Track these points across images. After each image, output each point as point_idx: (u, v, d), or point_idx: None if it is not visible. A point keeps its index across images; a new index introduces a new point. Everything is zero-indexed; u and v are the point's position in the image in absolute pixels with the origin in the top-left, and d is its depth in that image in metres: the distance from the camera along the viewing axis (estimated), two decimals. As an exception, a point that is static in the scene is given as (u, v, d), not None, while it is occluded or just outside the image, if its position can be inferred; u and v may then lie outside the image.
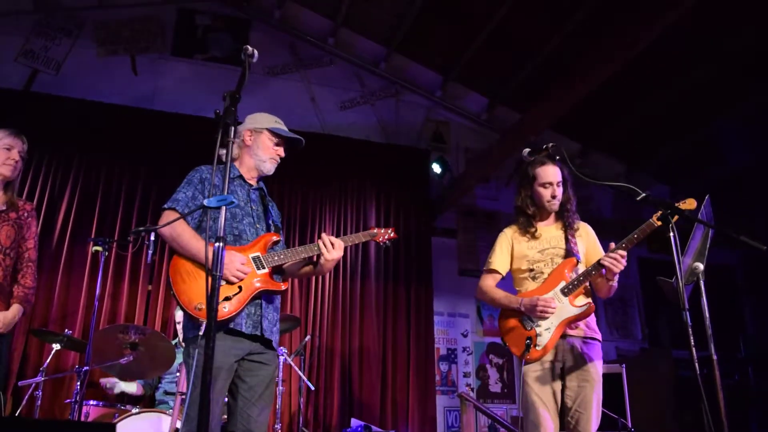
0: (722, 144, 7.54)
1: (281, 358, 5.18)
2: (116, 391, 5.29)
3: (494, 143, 7.48)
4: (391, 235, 3.34)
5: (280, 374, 5.18)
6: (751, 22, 5.98)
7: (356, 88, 8.10)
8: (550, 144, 3.01)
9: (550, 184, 3.51)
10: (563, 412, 3.31)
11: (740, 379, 6.87)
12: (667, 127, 7.65)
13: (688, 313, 2.45)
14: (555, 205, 3.54)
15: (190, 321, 2.77)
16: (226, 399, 2.91)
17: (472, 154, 8.35)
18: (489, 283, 3.63)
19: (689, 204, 2.79)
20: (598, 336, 3.46)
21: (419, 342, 7.22)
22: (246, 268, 2.84)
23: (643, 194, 2.62)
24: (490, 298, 3.59)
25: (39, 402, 4.62)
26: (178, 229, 2.79)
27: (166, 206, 2.90)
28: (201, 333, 2.62)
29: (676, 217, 2.64)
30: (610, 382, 5.32)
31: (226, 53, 7.49)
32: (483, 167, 7.33)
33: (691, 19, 5.06)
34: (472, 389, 7.49)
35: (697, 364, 2.38)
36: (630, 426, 5.03)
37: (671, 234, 2.49)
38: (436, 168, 7.77)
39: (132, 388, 5.33)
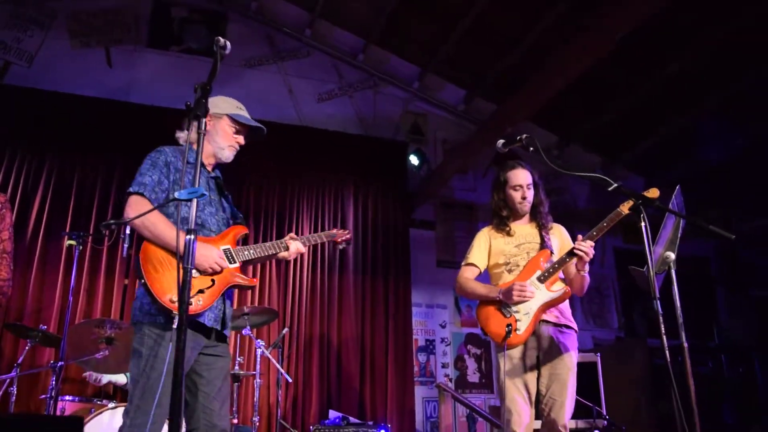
0: (697, 137, 7.63)
1: (258, 351, 5.18)
2: (104, 381, 5.26)
3: (472, 135, 7.50)
4: (348, 236, 3.43)
5: (258, 367, 5.18)
6: (726, 16, 6.04)
7: (334, 80, 8.08)
8: (524, 135, 3.03)
9: (520, 186, 3.67)
10: (538, 399, 3.38)
11: (713, 368, 6.98)
12: (643, 120, 7.72)
13: (659, 301, 2.48)
14: (526, 206, 3.68)
15: (156, 308, 2.67)
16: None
17: (450, 146, 8.37)
18: (467, 275, 3.73)
19: (652, 193, 2.84)
20: (574, 325, 3.56)
21: (397, 333, 7.24)
22: (223, 262, 2.82)
23: (615, 185, 2.65)
24: (468, 290, 3.67)
25: (14, 398, 4.58)
26: (151, 218, 2.69)
27: (132, 190, 2.77)
28: (175, 326, 2.58)
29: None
30: (585, 371, 5.40)
31: (202, 45, 7.42)
32: (460, 159, 7.35)
33: (667, 13, 5.09)
34: (451, 380, 7.53)
35: (668, 352, 2.41)
36: (605, 414, 5.09)
37: (642, 224, 2.52)
38: (414, 160, 7.78)
39: (119, 378, 5.30)
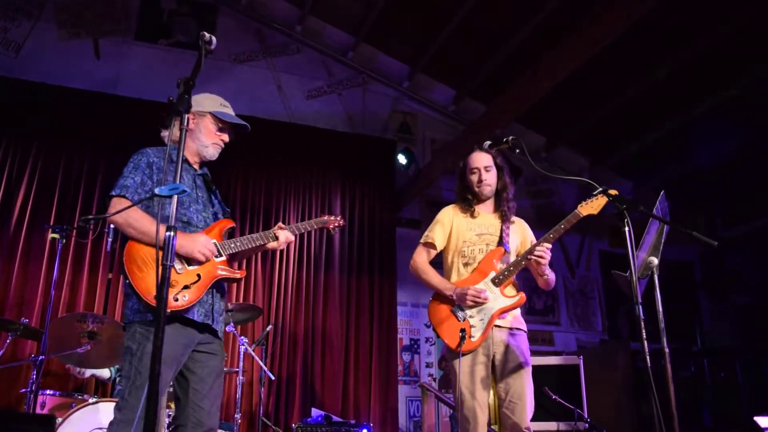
0: (685, 142, 7.67)
1: (242, 348, 5.16)
2: (87, 374, 5.23)
3: (460, 135, 7.51)
4: (340, 222, 3.42)
5: (241, 364, 5.16)
6: (715, 21, 6.08)
7: (323, 77, 8.06)
8: (510, 137, 3.03)
9: (477, 169, 3.61)
10: (498, 404, 3.36)
11: (696, 372, 7.02)
12: (631, 124, 7.76)
13: (641, 306, 2.49)
14: (485, 188, 3.61)
15: (143, 307, 2.67)
16: (172, 389, 2.87)
17: (439, 146, 8.37)
18: (424, 258, 3.67)
19: (612, 192, 2.83)
20: (524, 327, 3.52)
21: (382, 332, 7.24)
22: (212, 247, 2.81)
23: (600, 189, 2.65)
24: (423, 276, 3.62)
25: (-6, 391, 4.55)
26: (134, 215, 2.69)
27: (114, 193, 2.77)
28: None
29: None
30: (567, 373, 5.42)
31: (191, 38, 7.37)
32: (448, 158, 7.33)
33: (656, 16, 5.11)
34: (434, 379, 7.54)
35: (648, 357, 2.42)
36: (586, 417, 5.11)
37: (626, 229, 2.52)
38: (402, 159, 7.77)
39: (103, 372, 5.26)
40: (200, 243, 2.78)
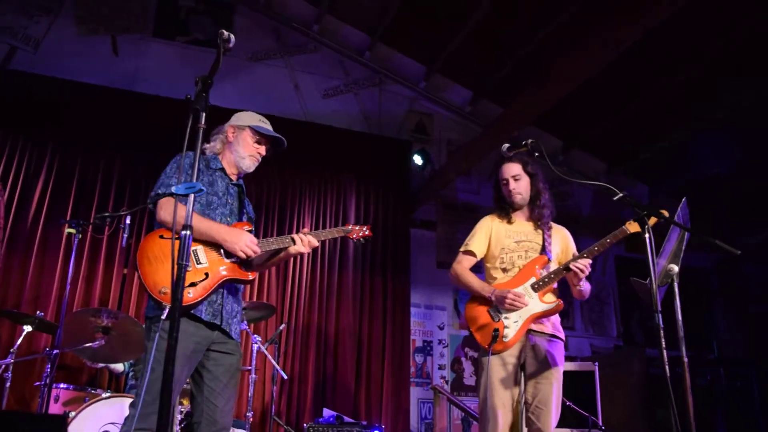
0: (701, 148, 7.59)
1: (255, 346, 5.16)
2: (100, 365, 5.26)
3: (476, 137, 7.47)
4: (366, 233, 3.36)
5: (253, 362, 5.16)
6: (733, 26, 6.01)
7: (340, 77, 8.05)
8: (529, 140, 3.00)
9: (506, 180, 3.69)
10: (525, 407, 3.37)
11: (711, 380, 6.95)
12: (648, 128, 7.69)
13: (660, 314, 2.46)
14: (517, 198, 3.68)
15: (153, 302, 2.74)
16: (188, 386, 2.89)
17: (455, 147, 8.34)
18: (464, 265, 3.73)
19: (663, 213, 2.81)
20: (562, 335, 3.54)
21: (395, 333, 7.22)
22: (255, 247, 2.87)
23: (621, 194, 2.62)
24: (463, 280, 3.68)
25: (9, 383, 4.57)
26: (178, 213, 2.74)
27: (161, 192, 2.85)
28: (164, 316, 2.59)
29: (654, 220, 2.65)
30: (582, 379, 5.38)
31: (208, 36, 7.40)
32: (464, 160, 7.32)
33: (674, 22, 5.06)
34: (447, 382, 7.51)
35: (667, 366, 2.39)
36: (600, 424, 5.06)
37: (647, 236, 2.48)
38: (418, 159, 7.74)
39: (116, 365, 5.29)
40: (244, 239, 2.84)
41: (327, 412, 6.01)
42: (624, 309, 8.50)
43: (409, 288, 7.51)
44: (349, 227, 3.34)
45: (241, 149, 3.15)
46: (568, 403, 5.01)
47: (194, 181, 1.93)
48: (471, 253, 3.73)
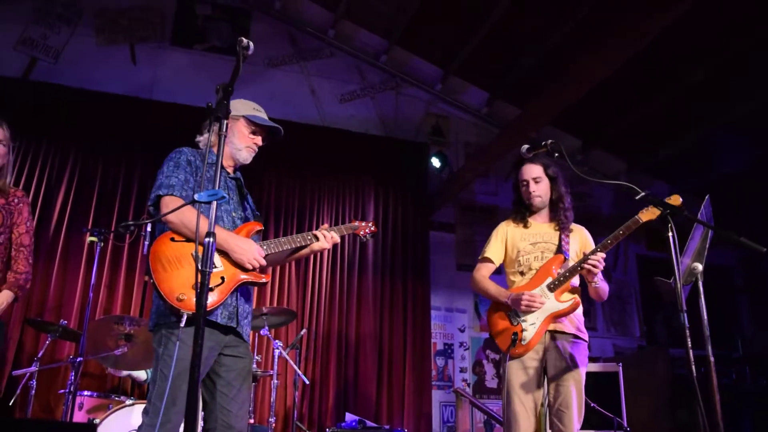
0: (722, 145, 7.51)
1: (276, 352, 5.17)
2: (123, 374, 5.30)
3: (494, 138, 7.45)
4: (372, 228, 3.31)
5: (275, 368, 5.17)
6: (754, 23, 5.94)
7: (356, 81, 8.07)
8: (549, 141, 2.98)
9: (527, 181, 3.66)
10: (549, 410, 3.35)
11: (737, 379, 6.86)
12: (668, 126, 7.62)
13: (685, 314, 2.43)
14: (537, 200, 3.66)
15: (167, 309, 2.66)
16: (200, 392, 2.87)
17: (472, 149, 8.32)
18: (483, 273, 3.73)
19: (674, 200, 2.81)
20: (585, 336, 3.50)
21: (416, 337, 7.20)
22: (261, 260, 2.81)
23: (643, 193, 2.59)
24: (482, 288, 3.68)
25: (33, 392, 4.61)
26: (189, 215, 2.69)
27: (162, 193, 2.78)
28: (183, 324, 2.55)
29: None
30: (606, 380, 5.33)
31: (225, 43, 7.45)
32: (482, 162, 7.29)
33: (693, 19, 5.01)
34: (468, 384, 7.48)
35: (693, 366, 2.36)
36: (625, 425, 5.01)
37: (670, 234, 2.46)
38: (435, 162, 7.74)
39: (139, 374, 5.33)
40: (252, 252, 2.78)
41: (349, 417, 6.00)
42: (646, 308, 8.41)
43: (429, 290, 7.49)
44: (356, 224, 3.29)
45: (237, 141, 3.03)
46: (592, 405, 4.97)
47: (216, 188, 1.93)
48: (488, 260, 3.72)
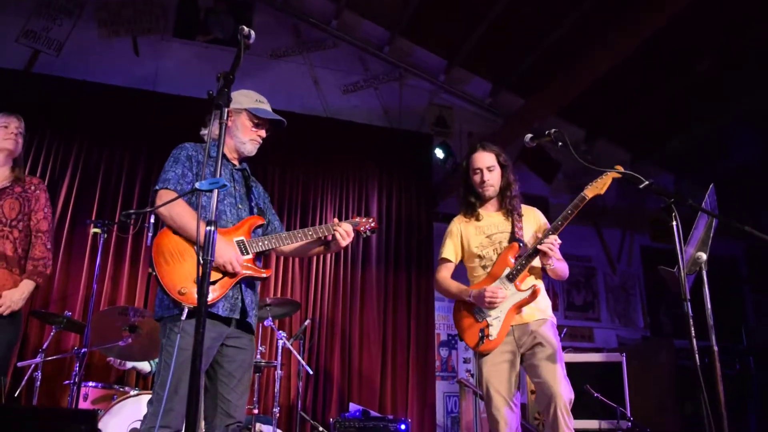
0: (728, 137, 7.48)
1: (280, 342, 5.17)
2: (128, 366, 5.32)
3: (498, 129, 7.43)
4: (373, 224, 3.25)
5: (279, 358, 5.17)
6: (760, 14, 5.90)
7: (359, 72, 8.04)
8: (553, 130, 2.96)
9: (480, 169, 3.55)
10: (534, 395, 3.30)
11: (741, 370, 6.85)
12: (674, 118, 7.60)
13: (689, 303, 2.42)
14: (488, 190, 3.57)
15: (169, 301, 2.70)
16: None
17: (476, 139, 8.28)
18: (443, 274, 3.66)
19: (618, 168, 2.80)
20: (547, 314, 3.43)
21: (419, 327, 7.20)
22: (237, 266, 2.78)
23: (647, 182, 2.58)
24: (444, 288, 3.62)
25: (38, 383, 4.62)
26: (177, 209, 2.75)
27: (158, 187, 2.83)
28: (184, 317, 2.58)
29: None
30: (609, 371, 5.33)
31: (228, 35, 7.44)
32: (486, 153, 7.26)
33: (699, 10, 4.98)
34: (472, 375, 7.48)
35: (697, 355, 2.35)
36: (629, 415, 5.01)
37: (674, 223, 2.44)
38: (439, 153, 7.72)
39: (144, 366, 5.35)
40: (227, 257, 2.75)
41: (353, 407, 6.02)
42: (651, 300, 8.40)
43: (433, 281, 7.47)
44: (356, 220, 3.23)
45: (241, 134, 3.03)
46: (595, 395, 4.97)
47: (218, 176, 1.92)
48: (446, 260, 3.65)
